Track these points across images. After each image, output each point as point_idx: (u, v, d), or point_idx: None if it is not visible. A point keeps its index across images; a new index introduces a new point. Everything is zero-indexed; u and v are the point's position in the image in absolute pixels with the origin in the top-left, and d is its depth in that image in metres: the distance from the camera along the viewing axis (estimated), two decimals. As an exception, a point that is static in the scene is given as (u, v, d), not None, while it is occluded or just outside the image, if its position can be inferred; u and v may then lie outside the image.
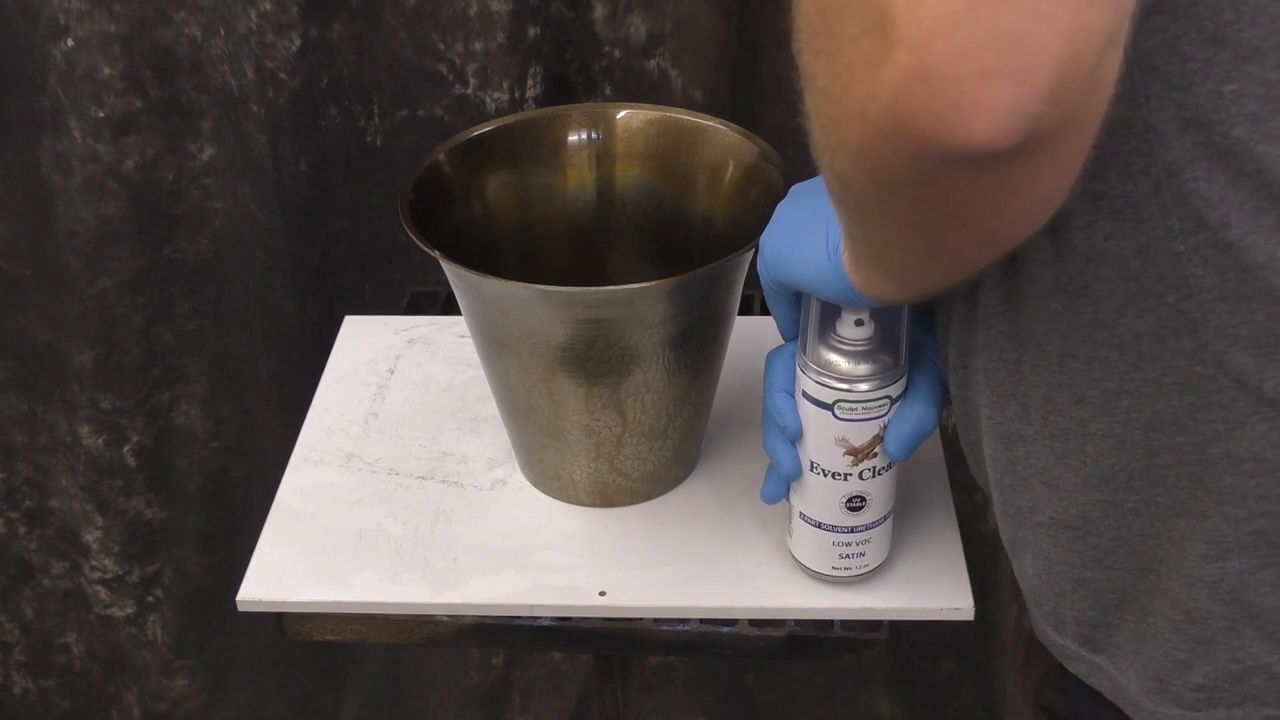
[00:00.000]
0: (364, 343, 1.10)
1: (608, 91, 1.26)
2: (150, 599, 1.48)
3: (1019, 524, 0.70)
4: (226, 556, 1.45)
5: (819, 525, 0.84)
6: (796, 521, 0.85)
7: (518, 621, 0.88)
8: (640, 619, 0.88)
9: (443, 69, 1.23)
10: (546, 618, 0.88)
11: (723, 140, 0.95)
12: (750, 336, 0.99)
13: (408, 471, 0.98)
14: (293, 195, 1.26)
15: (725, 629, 0.87)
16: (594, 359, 0.86)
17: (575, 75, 1.26)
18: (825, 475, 0.81)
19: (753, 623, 0.87)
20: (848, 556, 0.84)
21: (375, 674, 1.54)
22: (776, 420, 0.81)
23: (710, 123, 0.96)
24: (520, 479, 0.97)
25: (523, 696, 1.54)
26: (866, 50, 0.49)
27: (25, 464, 1.43)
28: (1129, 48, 0.55)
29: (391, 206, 0.93)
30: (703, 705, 1.56)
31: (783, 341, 0.83)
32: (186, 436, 1.41)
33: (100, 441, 1.38)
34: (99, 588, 1.47)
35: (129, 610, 1.48)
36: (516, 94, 1.23)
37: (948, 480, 0.95)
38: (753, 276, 0.83)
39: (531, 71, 1.23)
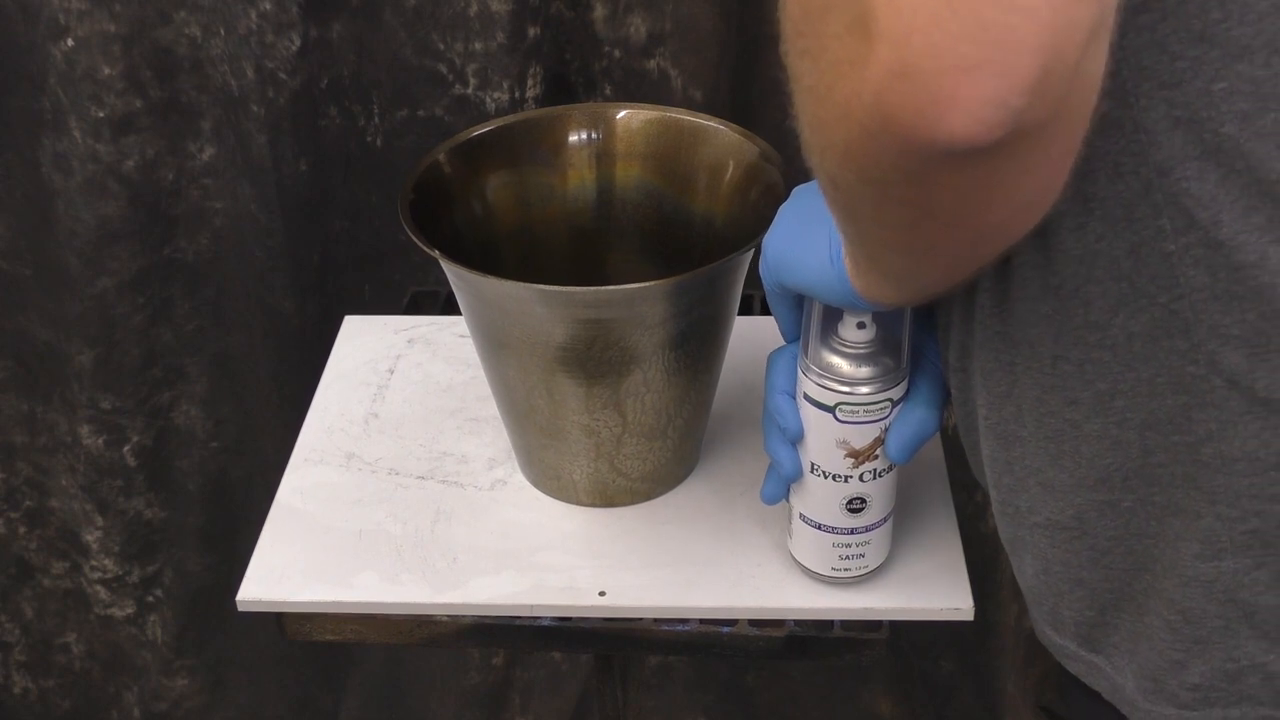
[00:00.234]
0: (364, 343, 1.10)
1: (608, 91, 1.26)
2: (150, 599, 1.48)
3: (1017, 524, 0.70)
4: (226, 556, 1.45)
5: (819, 526, 0.84)
6: (796, 522, 0.85)
7: (518, 621, 0.88)
8: (640, 619, 0.88)
9: (443, 69, 1.23)
10: (546, 618, 0.88)
11: (723, 140, 0.95)
12: (750, 336, 0.99)
13: (408, 471, 0.98)
14: (293, 195, 1.26)
15: (725, 629, 0.87)
16: (594, 359, 0.86)
17: (575, 75, 1.26)
18: (826, 477, 0.81)
19: (753, 623, 0.87)
20: (847, 558, 0.84)
21: (375, 674, 1.54)
22: (777, 421, 0.81)
23: (710, 123, 0.96)
24: (520, 479, 0.97)
25: (523, 696, 1.54)
26: (850, 48, 0.49)
27: (25, 464, 1.43)
28: (1117, 46, 0.55)
29: (391, 206, 0.93)
30: (703, 705, 1.56)
31: (784, 342, 0.83)
32: (186, 436, 1.41)
33: (100, 441, 1.38)
34: (99, 588, 1.47)
35: (129, 610, 1.48)
36: (516, 94, 1.23)
37: (948, 481, 0.95)
38: (753, 276, 0.83)
39: (531, 71, 1.23)
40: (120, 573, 1.46)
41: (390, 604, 0.88)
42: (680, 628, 0.88)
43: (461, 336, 1.08)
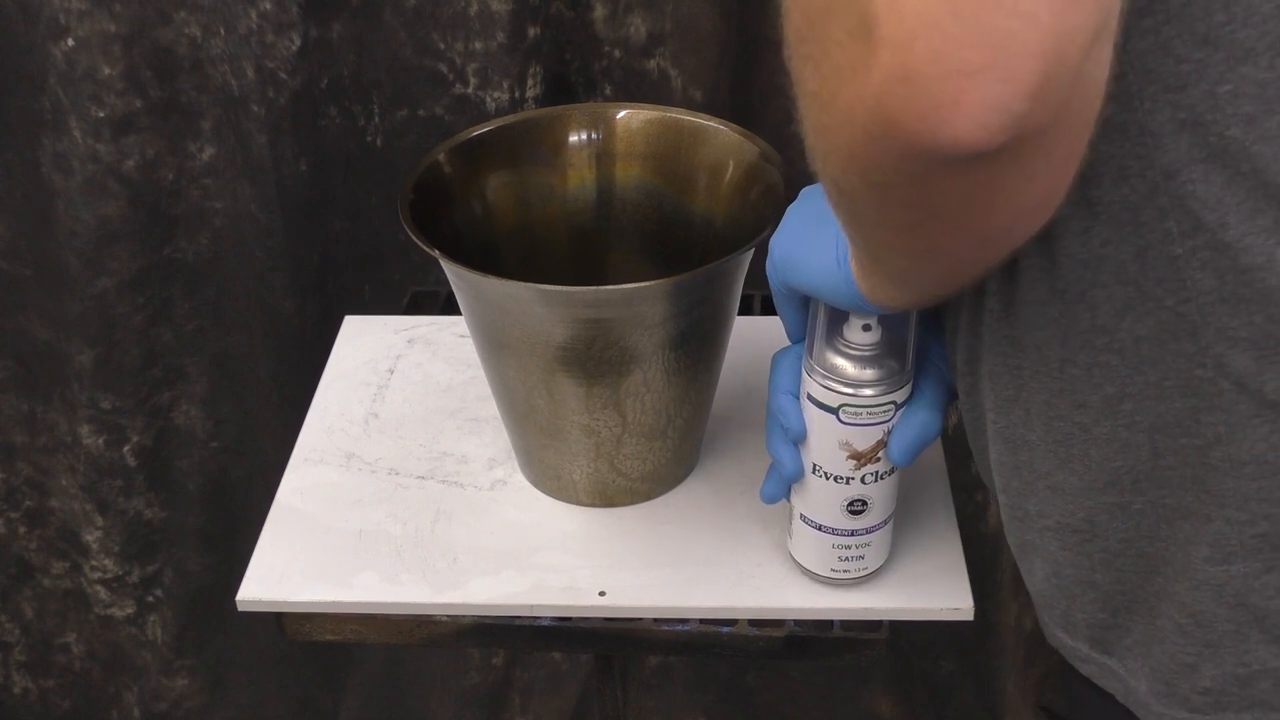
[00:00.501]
0: (364, 343, 1.10)
1: (608, 91, 1.26)
2: (150, 599, 1.48)
3: (1026, 528, 0.70)
4: (226, 556, 1.45)
5: (819, 527, 0.84)
6: (797, 523, 0.85)
7: (518, 621, 0.88)
8: (640, 619, 0.88)
9: (443, 69, 1.23)
10: (546, 618, 0.88)
11: (723, 140, 0.95)
12: (750, 337, 0.99)
13: (408, 471, 0.98)
14: (293, 195, 1.26)
15: (725, 629, 0.87)
16: (594, 359, 0.86)
17: (575, 75, 1.26)
18: (827, 478, 0.81)
19: (753, 623, 0.87)
20: (847, 559, 0.84)
21: (375, 674, 1.54)
22: (780, 421, 0.81)
23: (710, 123, 0.96)
24: (520, 479, 0.97)
25: (523, 696, 1.54)
26: (852, 53, 0.49)
27: (25, 464, 1.43)
28: (1121, 49, 0.55)
29: (391, 206, 0.93)
30: (703, 705, 1.56)
31: (789, 343, 0.83)
32: (186, 436, 1.41)
33: (100, 441, 1.38)
34: (99, 588, 1.47)
35: (129, 610, 1.48)
36: (516, 94, 1.23)
37: (948, 481, 0.95)
38: (752, 276, 0.83)
39: (531, 71, 1.23)
40: (120, 573, 1.46)
41: (390, 604, 0.88)
42: (680, 628, 0.88)
43: (461, 336, 1.08)
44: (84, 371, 1.34)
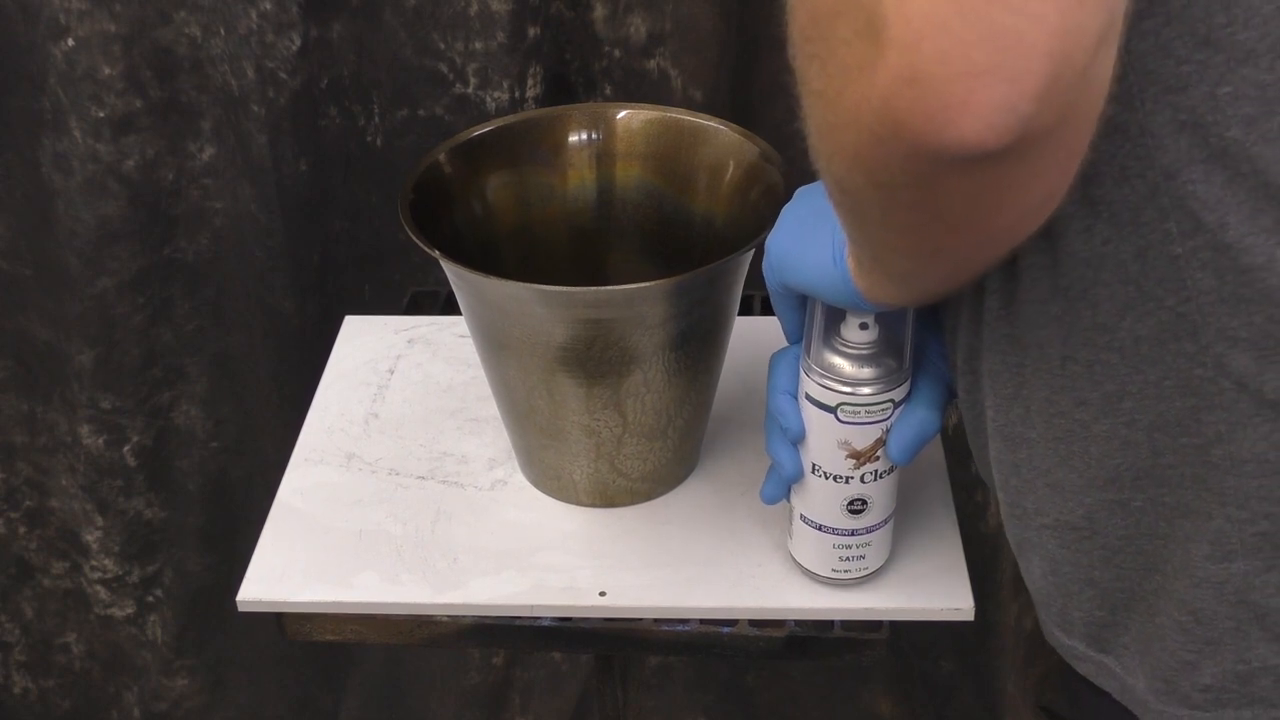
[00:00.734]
0: (364, 343, 1.10)
1: (608, 91, 1.26)
2: (150, 599, 1.48)
3: (1025, 526, 0.70)
4: (226, 556, 1.45)
5: (820, 527, 0.84)
6: (797, 523, 0.85)
7: (518, 622, 0.88)
8: (640, 619, 0.88)
9: (443, 69, 1.23)
10: (547, 618, 0.88)
11: (723, 140, 0.95)
12: (751, 337, 0.99)
13: (408, 471, 0.98)
14: (293, 195, 1.26)
15: (725, 629, 0.87)
16: (594, 359, 0.86)
17: (575, 75, 1.26)
18: (827, 478, 0.81)
19: (753, 623, 0.87)
20: (848, 559, 0.84)
21: (375, 674, 1.54)
22: (779, 421, 0.81)
23: (710, 123, 0.96)
24: (520, 479, 0.97)
25: (523, 696, 1.54)
26: (859, 53, 0.49)
27: (25, 464, 1.43)
28: (1123, 50, 0.55)
29: (391, 206, 0.93)
30: (703, 705, 1.56)
31: (787, 343, 0.83)
32: (186, 436, 1.41)
33: (100, 441, 1.38)
34: (99, 588, 1.47)
35: (129, 610, 1.48)
36: (516, 94, 1.23)
37: (948, 481, 0.95)
38: (753, 277, 0.83)
39: (531, 71, 1.23)
40: (120, 573, 1.45)
41: (390, 604, 0.88)
42: (680, 628, 0.88)
43: (461, 336, 1.08)
44: (84, 371, 1.34)
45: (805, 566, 0.87)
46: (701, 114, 0.97)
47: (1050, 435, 0.65)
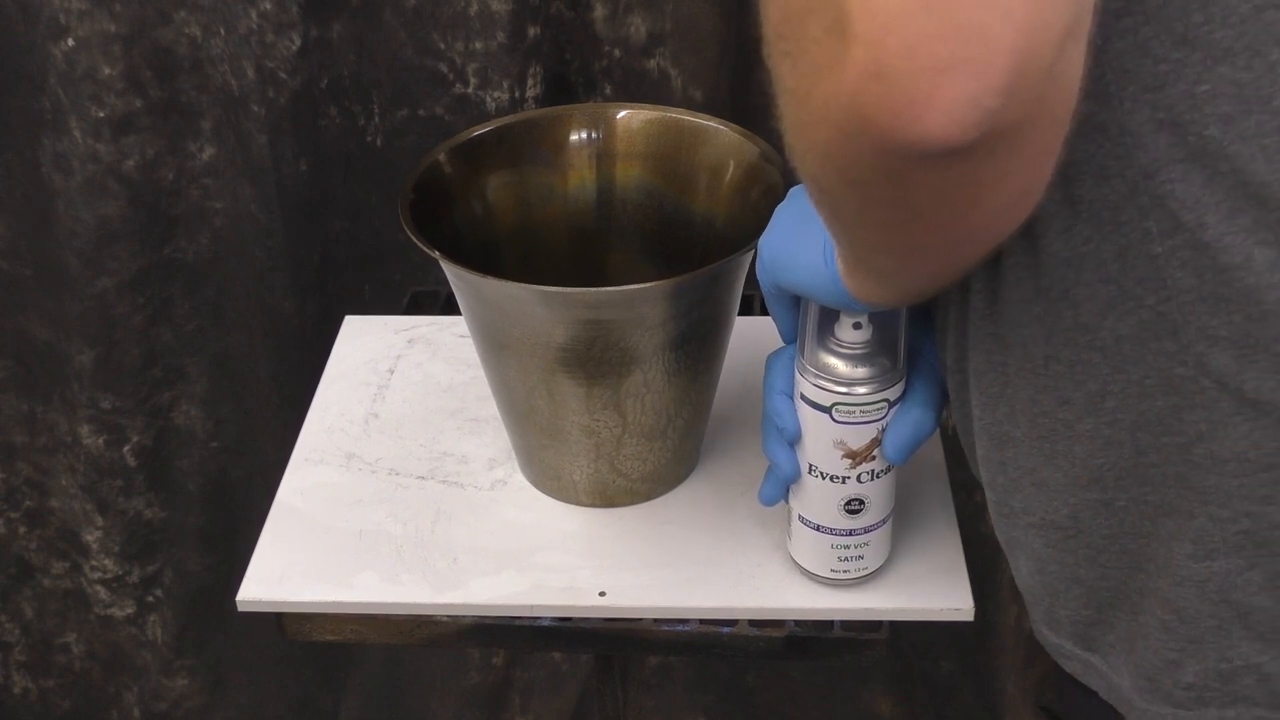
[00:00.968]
0: (364, 343, 1.10)
1: (608, 91, 1.26)
2: (150, 599, 1.48)
3: (1013, 524, 0.70)
4: (226, 556, 1.45)
5: (818, 528, 0.84)
6: (795, 524, 0.85)
7: (518, 622, 0.88)
8: (640, 619, 0.88)
9: (443, 69, 1.23)
10: (546, 618, 0.88)
11: (723, 140, 0.95)
12: (750, 337, 0.99)
13: (408, 471, 0.98)
14: (293, 195, 1.26)
15: (725, 629, 0.87)
16: (594, 359, 0.86)
17: (575, 75, 1.26)
18: (824, 478, 0.81)
19: (753, 623, 0.87)
20: (846, 559, 0.84)
21: (375, 674, 1.54)
22: (775, 422, 0.81)
23: (710, 123, 0.96)
24: (520, 479, 0.97)
25: (523, 696, 1.54)
26: (828, 50, 0.49)
27: (25, 464, 1.43)
28: (1100, 50, 0.55)
29: (391, 206, 0.93)
30: (703, 705, 1.56)
31: (783, 344, 0.83)
32: (186, 436, 1.41)
33: (100, 441, 1.38)
34: (99, 588, 1.47)
35: (129, 610, 1.48)
36: (516, 94, 1.23)
37: (947, 481, 0.95)
38: (753, 277, 0.83)
39: (531, 71, 1.23)
40: (120, 573, 1.46)
41: (390, 604, 0.88)
42: (680, 628, 0.88)
43: (461, 336, 1.08)
44: (84, 371, 1.34)
45: (804, 567, 0.87)
46: (701, 114, 0.97)
47: (1034, 434, 0.66)
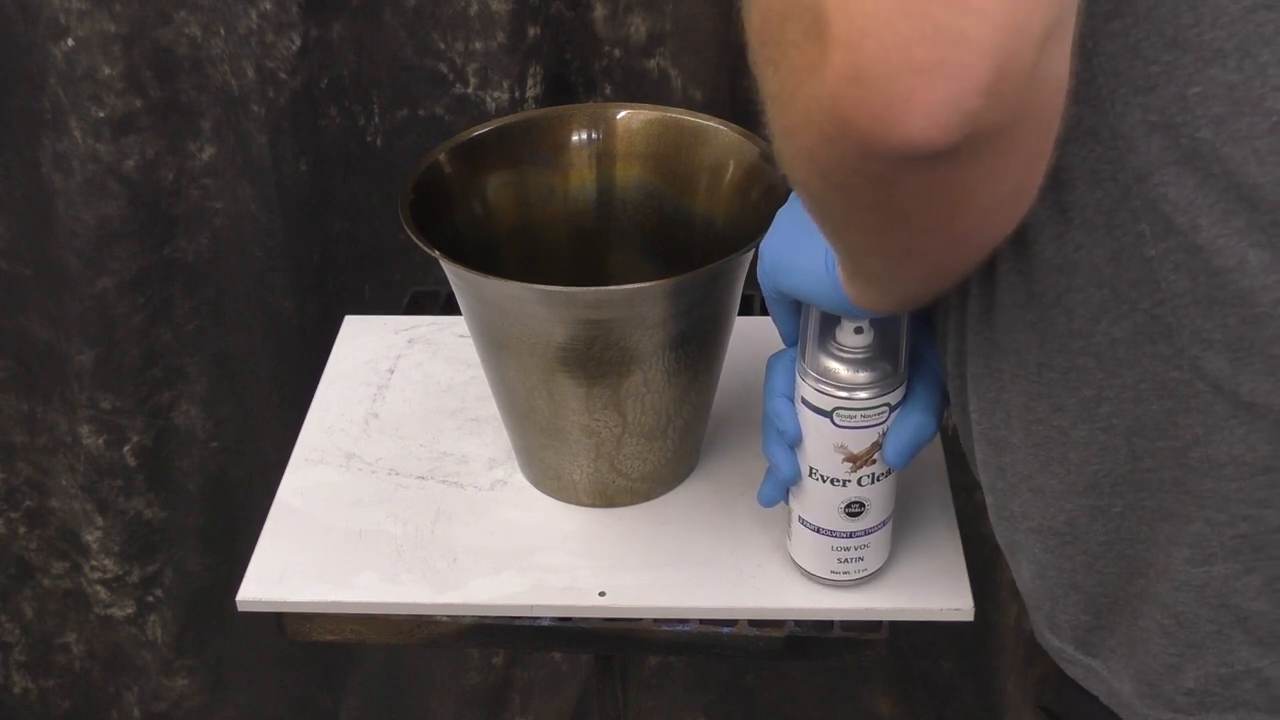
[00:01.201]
0: (364, 343, 1.10)
1: (608, 91, 1.26)
2: (150, 599, 1.48)
3: (1012, 529, 0.70)
4: (226, 556, 1.45)
5: (818, 530, 0.84)
6: (795, 525, 0.85)
7: (518, 622, 0.88)
8: (640, 619, 0.88)
9: (443, 69, 1.23)
10: (546, 618, 0.88)
11: (723, 140, 0.95)
12: (750, 337, 0.99)
13: (408, 471, 0.98)
14: (293, 195, 1.26)
15: (725, 629, 0.87)
16: (594, 359, 0.86)
17: (575, 75, 1.26)
18: (824, 481, 0.81)
19: (753, 623, 0.87)
20: (846, 561, 0.84)
21: (375, 674, 1.54)
22: (776, 425, 0.81)
23: (710, 123, 0.96)
24: (520, 479, 0.97)
25: (523, 696, 1.54)
26: (808, 54, 0.49)
27: (25, 464, 1.43)
28: (1091, 53, 0.55)
29: (391, 206, 0.93)
30: (703, 705, 1.56)
31: (784, 346, 0.83)
32: (186, 436, 1.41)
33: (100, 441, 1.38)
34: (99, 588, 1.47)
35: (129, 610, 1.48)
36: (516, 94, 1.23)
37: (947, 482, 0.95)
38: (753, 277, 0.83)
39: (531, 71, 1.23)
40: (120, 573, 1.45)
41: (390, 604, 0.88)
42: (680, 628, 0.88)
43: (461, 336, 1.08)
44: (84, 371, 1.34)
45: (804, 568, 0.87)
46: (701, 114, 0.97)
47: (1030, 441, 0.66)
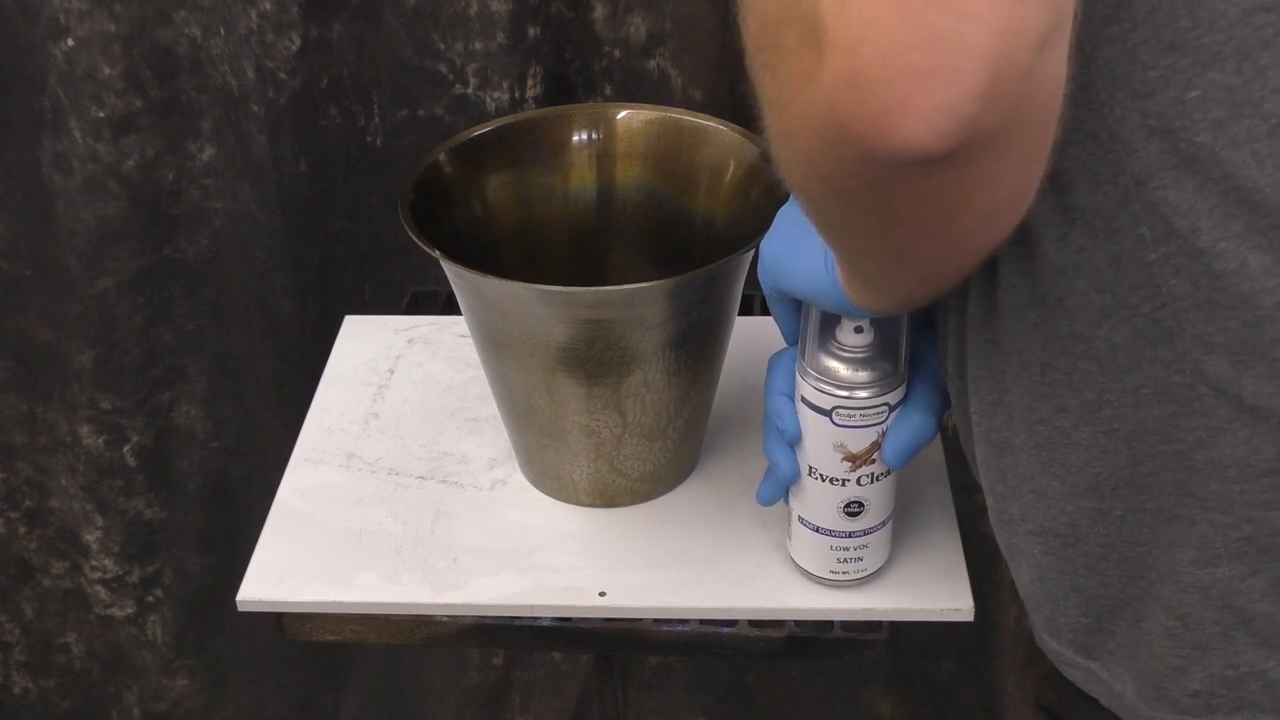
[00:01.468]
0: (364, 343, 1.10)
1: (608, 91, 1.26)
2: (150, 599, 1.48)
3: (1012, 531, 0.70)
4: (226, 556, 1.45)
5: (817, 529, 0.84)
6: (795, 525, 0.85)
7: (518, 622, 0.88)
8: (640, 619, 0.88)
9: (443, 69, 1.23)
10: (546, 618, 0.88)
11: (723, 140, 0.95)
12: (750, 337, 0.99)
13: (408, 471, 0.98)
14: (293, 195, 1.26)
15: (725, 629, 0.87)
16: (594, 359, 0.86)
17: (575, 75, 1.26)
18: (824, 480, 0.81)
19: (753, 623, 0.87)
20: (846, 561, 0.84)
21: (375, 674, 1.54)
22: (776, 423, 0.81)
23: (710, 123, 0.96)
24: (520, 479, 0.97)
25: (523, 696, 1.54)
26: (804, 60, 0.49)
27: (25, 464, 1.43)
28: (1090, 57, 0.55)
29: (391, 206, 0.93)
30: (703, 705, 1.56)
31: (785, 345, 0.83)
32: (186, 436, 1.41)
33: (100, 441, 1.38)
34: (99, 588, 1.47)
35: (129, 610, 1.48)
36: (516, 94, 1.23)
37: (948, 482, 0.95)
38: (753, 277, 0.83)
39: (531, 71, 1.23)
40: (120, 573, 1.45)
41: (390, 604, 0.88)
42: (680, 628, 0.88)
43: (461, 336, 1.08)
44: (84, 371, 1.34)
45: (804, 568, 0.87)
46: (701, 114, 0.97)
47: (1032, 442, 0.65)
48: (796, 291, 0.75)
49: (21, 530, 1.47)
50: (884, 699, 1.55)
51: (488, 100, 1.23)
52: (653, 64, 1.24)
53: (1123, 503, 0.63)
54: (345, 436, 1.01)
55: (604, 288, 0.84)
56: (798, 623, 0.87)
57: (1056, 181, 0.57)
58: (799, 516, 0.84)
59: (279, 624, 0.90)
